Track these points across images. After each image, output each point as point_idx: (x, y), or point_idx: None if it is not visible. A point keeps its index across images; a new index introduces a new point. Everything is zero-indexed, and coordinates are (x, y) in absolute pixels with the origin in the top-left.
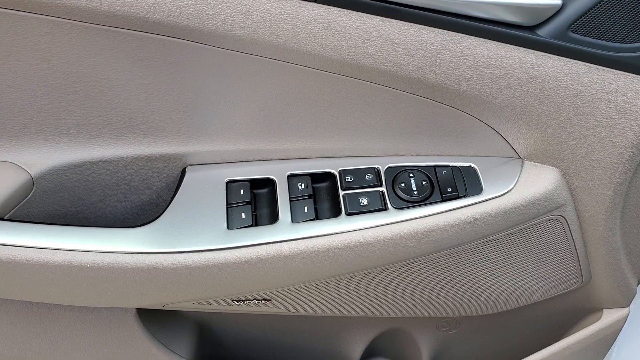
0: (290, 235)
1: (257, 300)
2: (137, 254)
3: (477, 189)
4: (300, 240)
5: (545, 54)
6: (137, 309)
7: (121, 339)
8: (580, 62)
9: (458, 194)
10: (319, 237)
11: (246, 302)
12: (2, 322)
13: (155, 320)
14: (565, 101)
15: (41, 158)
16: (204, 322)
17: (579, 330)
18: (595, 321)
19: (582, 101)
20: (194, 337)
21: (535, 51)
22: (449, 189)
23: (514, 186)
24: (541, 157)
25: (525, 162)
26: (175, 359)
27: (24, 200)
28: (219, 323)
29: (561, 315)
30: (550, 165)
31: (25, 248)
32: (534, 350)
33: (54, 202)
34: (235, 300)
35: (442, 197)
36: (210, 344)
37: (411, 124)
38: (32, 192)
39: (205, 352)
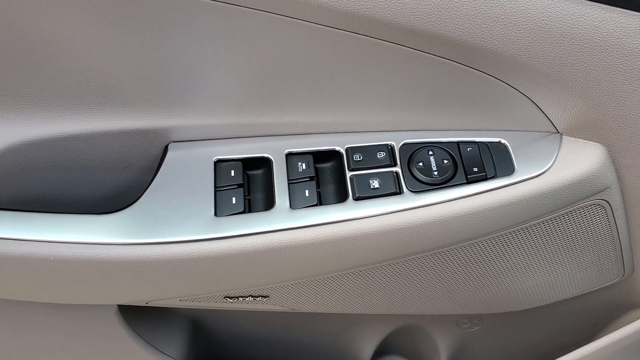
0: (289, 224)
1: (252, 297)
2: (110, 245)
3: (509, 169)
4: (300, 230)
5: (595, 3)
6: (118, 305)
7: (102, 338)
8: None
9: (486, 175)
10: (322, 226)
11: (240, 298)
12: None
13: (140, 317)
14: (618, 63)
15: (2, 133)
16: (197, 318)
17: (617, 329)
18: (636, 318)
19: (638, 63)
20: (185, 335)
21: (583, 0)
22: (475, 169)
23: (551, 166)
24: (583, 131)
25: (564, 137)
26: (164, 359)
27: None
28: (214, 320)
29: (597, 312)
30: (593, 141)
31: None
32: (565, 350)
33: (18, 184)
34: (228, 297)
35: (467, 178)
36: (204, 342)
37: (431, 91)
38: None
39: (199, 351)
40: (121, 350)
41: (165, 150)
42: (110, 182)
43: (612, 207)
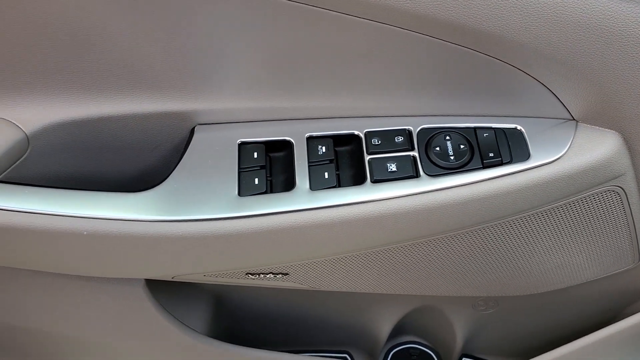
0: (309, 204)
1: (273, 274)
2: (139, 222)
3: (524, 155)
4: (320, 210)
5: None
6: (146, 280)
7: (130, 311)
8: None
9: (501, 160)
10: (340, 207)
11: (261, 275)
12: (9, 291)
13: (166, 292)
14: (633, 52)
15: (37, 114)
16: (220, 294)
17: (630, 315)
18: None
19: None
20: (209, 310)
21: None
22: (491, 154)
23: (566, 152)
24: (599, 118)
25: (579, 124)
26: (188, 332)
27: (19, 161)
28: (236, 296)
29: (611, 297)
30: (608, 128)
31: (19, 212)
32: (579, 335)
33: (51, 163)
34: (250, 274)
35: (482, 163)
36: (227, 317)
37: (448, 78)
38: (27, 152)
39: (221, 325)
40: (147, 323)
41: (192, 132)
42: (140, 162)
43: (627, 194)
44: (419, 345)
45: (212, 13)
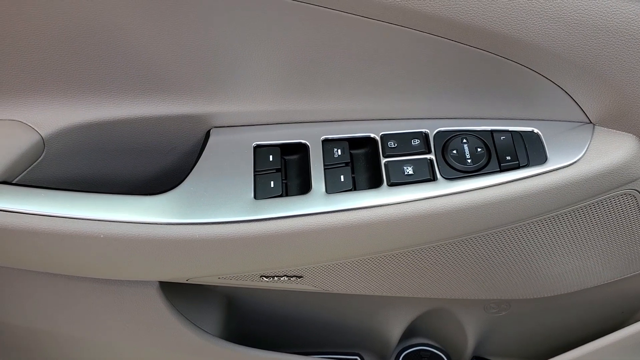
0: (324, 208)
1: (287, 276)
2: (155, 225)
3: (541, 158)
4: (336, 213)
5: None
6: (160, 282)
7: (144, 313)
8: None
9: (519, 164)
10: (356, 210)
11: (275, 278)
12: (25, 293)
13: (180, 294)
14: None
15: (52, 117)
16: (233, 296)
17: None
18: None
19: None
20: (221, 312)
21: None
22: (508, 158)
23: (583, 155)
24: (616, 121)
25: (596, 127)
26: (200, 334)
27: (34, 164)
28: (249, 298)
29: (624, 300)
30: (626, 131)
31: (35, 215)
32: (591, 338)
33: (67, 166)
34: (264, 276)
35: (500, 166)
36: (239, 319)
37: (465, 81)
38: (43, 154)
39: (233, 327)
40: (161, 325)
41: (207, 135)
42: (155, 165)
43: None
44: (430, 347)
45: (227, 16)
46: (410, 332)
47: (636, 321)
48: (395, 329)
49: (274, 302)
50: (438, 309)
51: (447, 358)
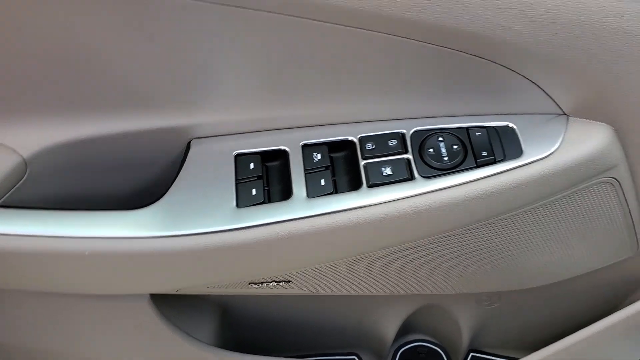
0: (307, 212)
1: (276, 282)
2: (140, 239)
3: (517, 152)
4: (318, 217)
5: None
6: (150, 294)
7: (136, 325)
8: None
9: (495, 159)
10: (338, 213)
11: (264, 284)
12: (14, 312)
13: (171, 305)
14: (619, 46)
15: (32, 138)
16: (225, 304)
17: (630, 304)
18: None
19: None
20: (214, 320)
21: None
22: (485, 153)
23: (559, 147)
24: (589, 112)
25: (570, 118)
26: (195, 343)
27: (17, 185)
28: (241, 305)
29: (614, 287)
30: (599, 121)
31: (19, 236)
32: (584, 325)
33: (50, 185)
34: (253, 283)
35: (476, 162)
36: (233, 326)
37: (439, 80)
38: (26, 175)
39: (228, 335)
40: (153, 336)
41: (187, 146)
42: (137, 179)
43: (622, 184)
44: (426, 343)
45: (202, 27)
46: (405, 329)
47: (626, 306)
48: (390, 327)
49: (267, 307)
50: (431, 305)
51: (443, 352)
